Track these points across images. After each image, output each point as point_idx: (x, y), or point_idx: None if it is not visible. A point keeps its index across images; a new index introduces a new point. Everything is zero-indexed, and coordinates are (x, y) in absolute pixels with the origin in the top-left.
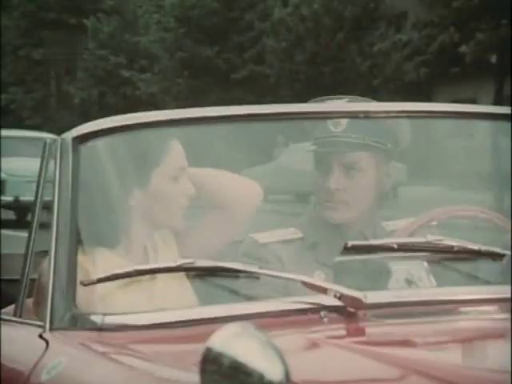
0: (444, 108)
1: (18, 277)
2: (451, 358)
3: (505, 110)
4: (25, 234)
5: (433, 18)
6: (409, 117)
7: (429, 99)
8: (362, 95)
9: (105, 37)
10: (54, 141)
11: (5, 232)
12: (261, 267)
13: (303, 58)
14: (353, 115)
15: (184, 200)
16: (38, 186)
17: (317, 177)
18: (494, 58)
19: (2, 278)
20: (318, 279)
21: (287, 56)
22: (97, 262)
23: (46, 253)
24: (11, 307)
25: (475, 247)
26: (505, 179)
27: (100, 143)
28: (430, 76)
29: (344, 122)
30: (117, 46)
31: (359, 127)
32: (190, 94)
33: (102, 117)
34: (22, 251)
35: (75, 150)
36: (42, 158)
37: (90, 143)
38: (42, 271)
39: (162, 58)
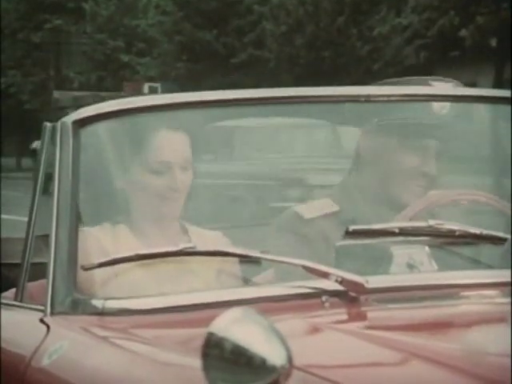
0: (444, 91)
1: (18, 261)
2: (452, 342)
3: (505, 93)
4: (25, 219)
5: (433, 2)
6: (410, 100)
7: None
8: (362, 79)
9: (103, 20)
10: (54, 125)
11: (5, 216)
12: (262, 252)
13: (303, 42)
14: (354, 99)
15: (168, 193)
16: (37, 170)
17: (401, 154)
18: (493, 42)
19: (3, 262)
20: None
21: (287, 40)
22: (97, 244)
23: (46, 237)
24: (12, 291)
25: (477, 231)
26: (505, 163)
27: (100, 127)
28: (429, 60)
29: (447, 106)
30: (115, 29)
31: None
32: (189, 78)
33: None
34: (23, 235)
35: (75, 134)
36: (42, 141)
37: (91, 127)
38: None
39: (160, 42)
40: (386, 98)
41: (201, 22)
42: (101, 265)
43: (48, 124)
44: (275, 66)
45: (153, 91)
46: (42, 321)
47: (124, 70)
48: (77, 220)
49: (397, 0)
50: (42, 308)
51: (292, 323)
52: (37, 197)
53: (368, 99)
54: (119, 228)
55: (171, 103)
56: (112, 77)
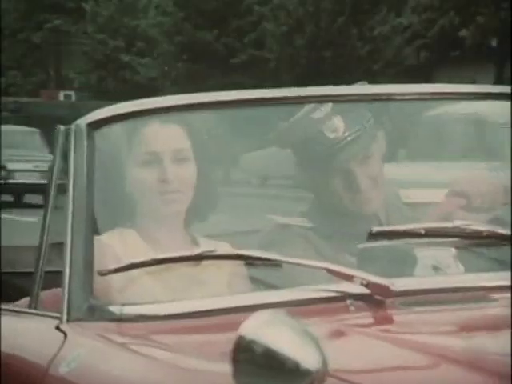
0: (444, 89)
1: (30, 269)
2: (480, 344)
3: (505, 89)
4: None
5: (433, 2)
6: (411, 99)
7: (429, 83)
8: (362, 79)
9: (103, 20)
10: (68, 127)
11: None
12: (283, 254)
13: (303, 43)
14: (357, 99)
15: (160, 187)
16: (51, 174)
17: (335, 176)
18: (494, 42)
19: (15, 270)
20: (347, 264)
21: (287, 40)
22: (110, 250)
23: (57, 245)
24: (25, 300)
25: (504, 232)
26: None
27: (115, 129)
28: (430, 60)
29: (339, 124)
30: (115, 29)
31: (348, 118)
32: (189, 78)
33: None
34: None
35: (90, 137)
36: (56, 144)
37: (105, 129)
38: None
39: (161, 42)
40: (386, 98)
41: (201, 22)
42: (117, 270)
43: (61, 127)
44: (275, 67)
45: (67, 98)
46: (58, 328)
47: (124, 69)
48: (93, 225)
49: (397, 0)
50: (57, 315)
51: (317, 327)
52: (51, 202)
53: (368, 99)
54: (128, 233)
55: (186, 104)
56: (112, 77)
